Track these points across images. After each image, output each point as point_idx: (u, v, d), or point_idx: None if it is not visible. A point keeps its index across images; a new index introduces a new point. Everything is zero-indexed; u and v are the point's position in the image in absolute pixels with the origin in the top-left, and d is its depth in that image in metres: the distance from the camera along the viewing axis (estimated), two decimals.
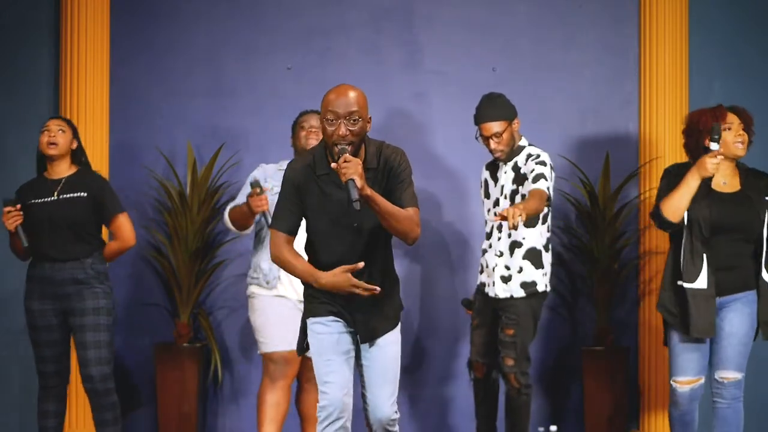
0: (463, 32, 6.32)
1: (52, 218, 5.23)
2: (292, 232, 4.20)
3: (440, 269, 6.00)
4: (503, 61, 6.31)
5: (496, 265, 5.42)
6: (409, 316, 6.07)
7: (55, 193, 5.28)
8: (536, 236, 5.41)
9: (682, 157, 5.43)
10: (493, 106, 5.39)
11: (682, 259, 4.97)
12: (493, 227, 5.47)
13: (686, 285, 4.95)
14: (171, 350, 6.09)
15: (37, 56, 6.27)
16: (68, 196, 5.27)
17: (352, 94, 4.11)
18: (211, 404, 6.28)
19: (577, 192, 6.19)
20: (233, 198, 5.62)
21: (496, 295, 5.41)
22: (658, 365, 6.10)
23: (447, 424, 6.26)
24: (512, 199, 5.41)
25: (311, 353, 4.27)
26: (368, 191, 3.99)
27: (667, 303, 5.03)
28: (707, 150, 4.92)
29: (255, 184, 5.18)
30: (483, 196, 5.59)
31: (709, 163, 4.86)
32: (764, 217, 5.02)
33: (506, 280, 5.41)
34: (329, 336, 4.20)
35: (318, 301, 4.21)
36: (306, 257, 4.27)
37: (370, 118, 4.16)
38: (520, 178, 5.41)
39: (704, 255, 4.94)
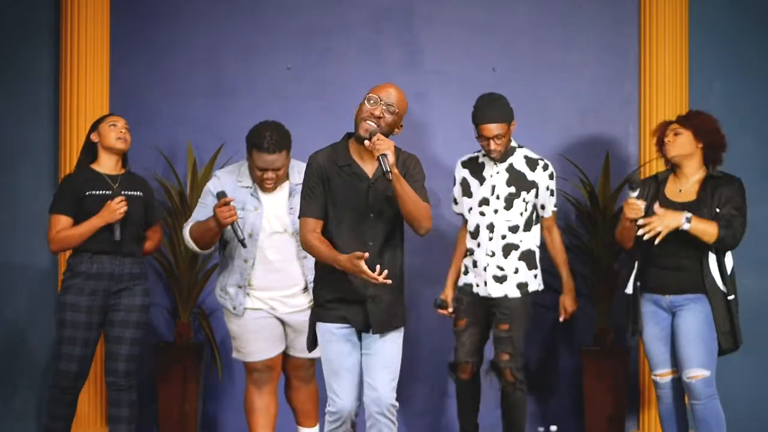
0: (463, 32, 6.32)
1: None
2: (320, 217, 4.42)
3: (439, 268, 5.98)
4: (503, 61, 6.31)
5: (488, 265, 5.44)
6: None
7: (115, 189, 5.32)
8: (531, 238, 5.49)
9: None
10: (496, 108, 5.40)
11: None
12: (478, 226, 5.47)
13: (625, 290, 5.27)
14: (171, 350, 6.10)
15: (37, 56, 6.27)
16: (128, 193, 5.33)
17: (395, 91, 4.46)
18: (211, 404, 6.28)
19: (577, 192, 6.19)
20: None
21: (489, 294, 5.44)
22: None
23: (443, 423, 6.25)
24: (509, 203, 5.44)
25: (322, 360, 4.46)
26: (396, 170, 4.25)
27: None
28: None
29: (221, 195, 5.03)
30: (460, 194, 5.57)
31: (626, 209, 5.08)
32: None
33: (500, 280, 5.44)
34: (338, 345, 4.41)
35: (327, 306, 4.41)
36: None
37: (402, 124, 4.48)
38: (518, 182, 5.44)
39: (636, 263, 5.17)
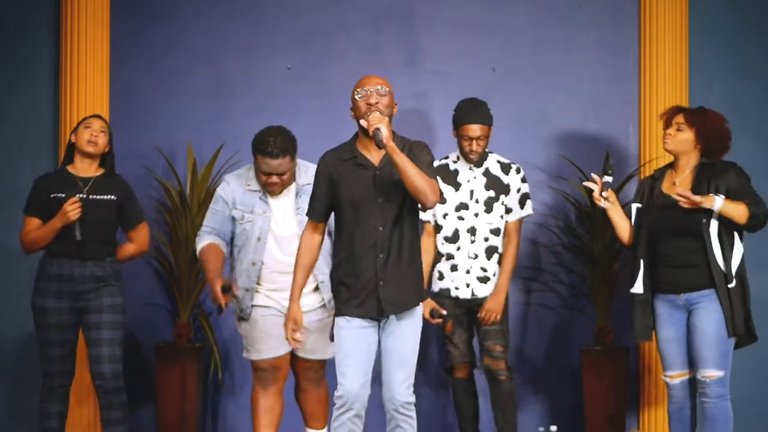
0: (463, 32, 6.32)
1: (79, 217, 5.22)
2: (321, 219, 4.62)
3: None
4: (503, 61, 6.31)
5: (471, 267, 5.51)
6: None
7: (84, 192, 5.29)
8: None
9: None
10: (480, 111, 5.50)
11: (627, 265, 5.20)
12: (457, 231, 5.51)
13: (632, 290, 5.18)
14: (171, 350, 6.09)
15: (37, 56, 6.27)
16: (98, 197, 5.30)
17: (377, 78, 4.59)
18: (211, 404, 6.28)
19: (577, 192, 6.18)
20: None
21: (473, 295, 5.51)
22: (658, 365, 6.09)
23: (447, 424, 6.25)
24: (489, 206, 5.51)
25: (335, 349, 4.56)
26: (392, 143, 4.37)
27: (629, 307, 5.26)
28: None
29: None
30: None
31: (595, 199, 5.14)
32: (709, 217, 5.02)
33: (484, 280, 5.52)
34: (349, 330, 4.51)
35: (343, 298, 4.54)
36: (335, 232, 4.64)
37: (396, 104, 4.60)
38: (496, 186, 5.53)
39: (641, 261, 5.11)
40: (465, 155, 5.54)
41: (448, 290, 5.55)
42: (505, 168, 5.59)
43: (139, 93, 6.30)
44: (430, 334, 6.23)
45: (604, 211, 6.02)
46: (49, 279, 5.26)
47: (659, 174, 5.24)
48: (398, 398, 4.50)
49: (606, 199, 5.13)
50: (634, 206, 5.22)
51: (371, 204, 4.49)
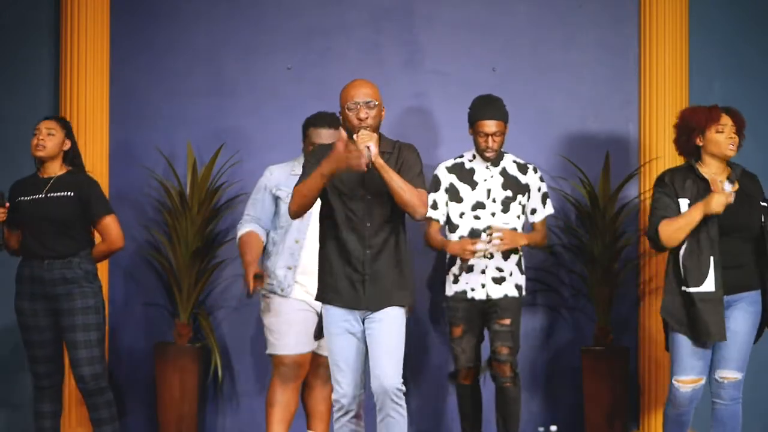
0: (463, 32, 6.32)
1: (37, 215, 5.24)
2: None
3: (438, 268, 5.99)
4: (503, 61, 6.31)
5: (486, 267, 5.46)
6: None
7: (44, 192, 5.29)
8: (524, 247, 5.59)
9: (681, 158, 5.42)
10: (495, 107, 5.47)
11: (686, 263, 4.93)
12: (472, 230, 5.47)
13: (693, 289, 4.91)
14: (171, 350, 6.09)
15: (37, 56, 6.27)
16: (55, 195, 5.28)
17: (367, 87, 4.56)
18: (211, 404, 6.28)
19: (577, 192, 6.19)
20: (235, 199, 5.58)
21: (488, 296, 5.46)
22: (658, 365, 6.10)
23: (447, 425, 6.25)
24: (506, 206, 5.48)
25: (327, 348, 4.60)
26: (380, 161, 4.43)
27: (672, 308, 4.98)
28: (697, 157, 5.01)
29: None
30: (446, 199, 5.52)
31: (717, 202, 4.84)
32: (760, 214, 5.01)
33: (499, 281, 5.47)
34: (340, 339, 4.57)
35: (329, 285, 4.58)
36: (320, 227, 4.66)
37: (384, 108, 4.59)
38: (513, 186, 5.50)
39: (711, 257, 4.91)
40: (481, 153, 5.49)
41: (464, 292, 5.48)
42: (522, 168, 5.57)
43: (139, 93, 6.30)
44: (432, 335, 6.23)
45: (604, 211, 6.04)
46: (23, 281, 5.28)
47: (693, 173, 5.02)
48: (388, 386, 4.48)
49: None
50: (684, 202, 4.98)
51: (359, 199, 4.53)
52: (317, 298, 4.65)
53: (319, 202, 4.58)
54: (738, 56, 6.28)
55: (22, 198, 5.30)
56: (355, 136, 4.45)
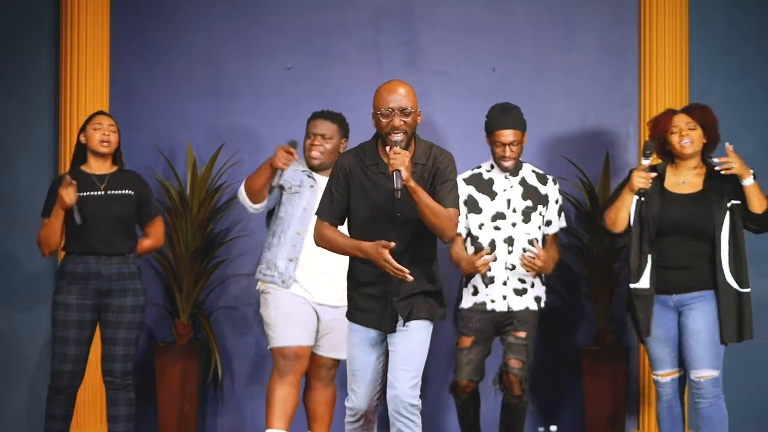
0: (463, 32, 6.32)
1: (100, 213, 5.27)
2: (334, 223, 4.40)
3: (443, 273, 5.99)
4: (503, 61, 6.31)
5: (508, 278, 5.43)
6: None
7: (102, 189, 5.32)
8: None
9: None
10: (512, 115, 5.43)
11: (630, 259, 5.12)
12: (494, 241, 5.43)
13: (631, 285, 5.13)
14: (171, 350, 6.09)
15: (37, 56, 6.27)
16: (116, 192, 5.33)
17: (402, 90, 4.32)
18: (211, 404, 6.28)
19: (577, 192, 6.19)
20: (235, 199, 5.57)
21: (509, 308, 5.42)
22: None
23: (443, 424, 6.26)
24: (527, 216, 5.45)
25: (347, 355, 4.50)
26: (412, 183, 4.18)
27: (626, 303, 5.24)
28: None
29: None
30: (465, 211, 5.48)
31: (635, 178, 5.04)
32: (722, 219, 5.05)
33: (521, 293, 5.44)
34: (359, 348, 4.44)
35: (356, 303, 4.42)
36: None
37: (420, 111, 4.35)
38: (533, 196, 5.48)
39: (649, 255, 5.07)
40: (499, 163, 5.45)
41: (483, 304, 5.42)
42: (542, 179, 5.53)
43: (139, 93, 6.30)
44: (436, 338, 6.22)
45: (604, 211, 6.03)
46: (75, 277, 5.26)
47: (661, 170, 5.21)
48: (403, 399, 4.34)
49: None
50: (635, 197, 5.15)
51: (389, 216, 4.31)
52: (346, 316, 4.49)
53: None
54: (738, 56, 6.27)
55: (78, 194, 5.27)
56: (387, 148, 4.24)
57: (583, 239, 6.15)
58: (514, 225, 5.45)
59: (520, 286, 5.44)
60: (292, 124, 5.62)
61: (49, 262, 6.06)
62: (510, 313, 5.43)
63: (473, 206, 5.49)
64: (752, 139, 6.14)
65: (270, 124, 6.23)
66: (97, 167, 5.39)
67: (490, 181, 5.50)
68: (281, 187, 5.35)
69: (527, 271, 5.39)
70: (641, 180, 5.04)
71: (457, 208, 4.36)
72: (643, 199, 5.11)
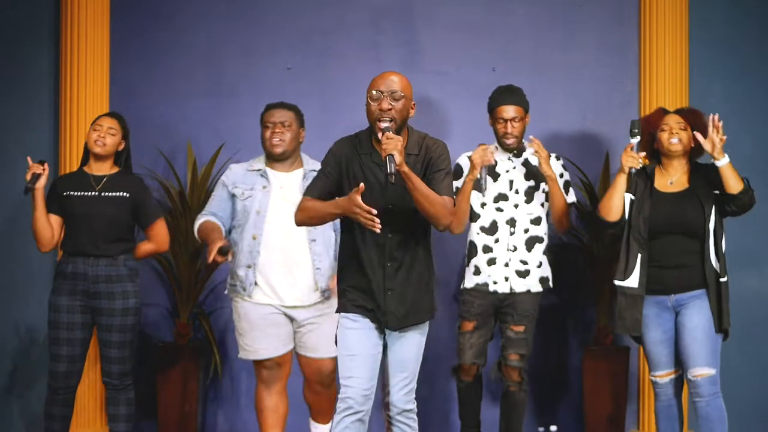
0: (463, 32, 6.32)
1: (91, 214, 5.26)
2: (318, 198, 4.31)
3: (441, 267, 5.98)
4: (503, 61, 6.31)
5: (510, 260, 5.44)
6: None
7: (97, 190, 5.31)
8: (548, 233, 5.54)
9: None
10: (515, 93, 5.46)
11: (620, 256, 5.13)
12: (495, 222, 5.46)
13: (617, 282, 5.13)
14: (171, 350, 6.10)
15: (37, 56, 6.28)
16: (110, 194, 5.32)
17: (395, 77, 4.30)
18: (211, 404, 6.28)
19: (577, 192, 6.18)
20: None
21: (511, 290, 5.44)
22: None
23: (444, 424, 6.26)
24: (530, 196, 5.47)
25: (338, 348, 4.36)
26: (405, 168, 4.12)
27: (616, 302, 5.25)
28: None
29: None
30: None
31: (625, 157, 5.05)
32: (710, 210, 5.06)
33: (523, 274, 5.45)
34: (356, 332, 4.31)
35: (349, 296, 4.33)
36: (340, 237, 4.43)
37: (414, 104, 4.32)
38: (536, 174, 5.48)
39: (639, 255, 5.07)
40: (501, 142, 5.47)
41: (486, 285, 5.45)
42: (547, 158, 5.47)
43: (139, 93, 6.31)
44: (441, 335, 6.23)
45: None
46: (65, 277, 5.28)
47: (651, 170, 5.23)
48: (396, 404, 4.34)
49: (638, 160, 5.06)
50: (628, 196, 5.16)
51: (381, 207, 4.20)
52: (337, 311, 4.41)
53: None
54: (738, 56, 6.28)
55: (72, 193, 5.30)
56: (379, 134, 4.19)
57: (583, 239, 6.15)
58: (516, 206, 5.47)
59: (522, 267, 5.45)
60: None
61: (49, 261, 6.06)
62: (513, 295, 5.43)
63: (476, 184, 5.49)
64: (751, 140, 6.14)
65: None
66: (97, 168, 5.39)
67: (494, 163, 5.49)
68: (233, 196, 5.25)
69: (533, 153, 5.39)
70: (630, 159, 5.05)
71: (452, 196, 4.30)
72: (633, 198, 5.13)
